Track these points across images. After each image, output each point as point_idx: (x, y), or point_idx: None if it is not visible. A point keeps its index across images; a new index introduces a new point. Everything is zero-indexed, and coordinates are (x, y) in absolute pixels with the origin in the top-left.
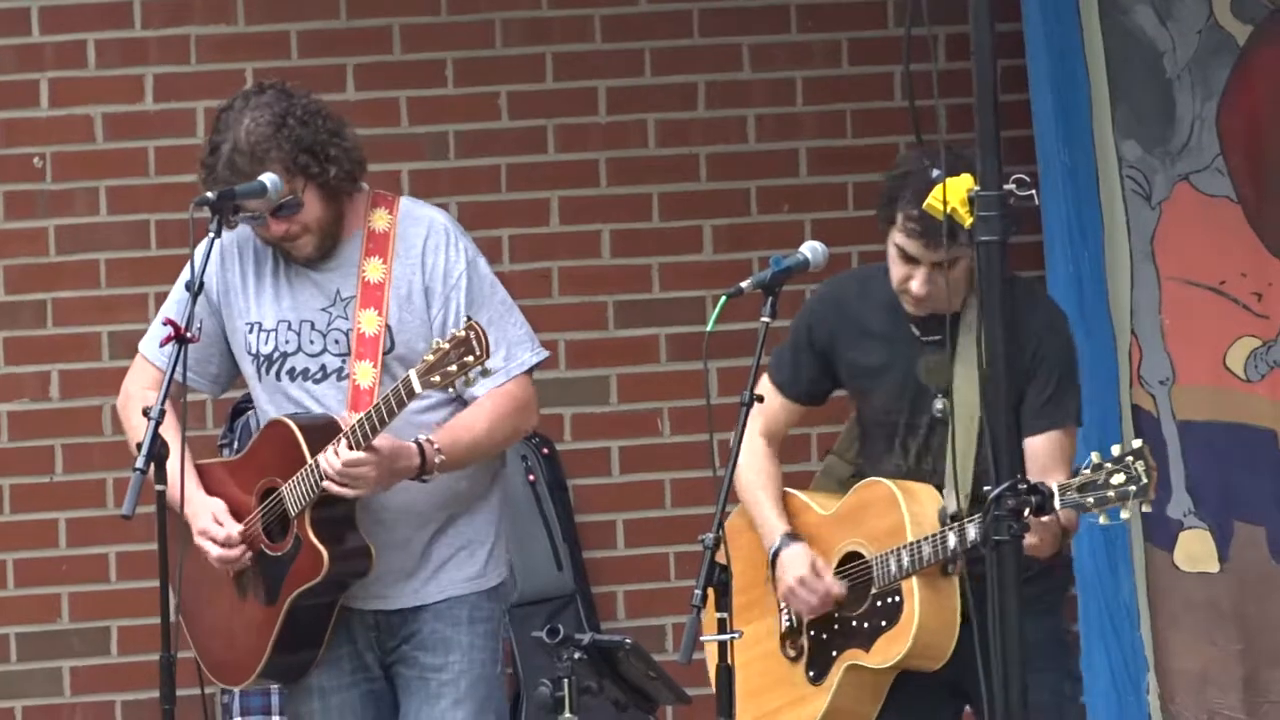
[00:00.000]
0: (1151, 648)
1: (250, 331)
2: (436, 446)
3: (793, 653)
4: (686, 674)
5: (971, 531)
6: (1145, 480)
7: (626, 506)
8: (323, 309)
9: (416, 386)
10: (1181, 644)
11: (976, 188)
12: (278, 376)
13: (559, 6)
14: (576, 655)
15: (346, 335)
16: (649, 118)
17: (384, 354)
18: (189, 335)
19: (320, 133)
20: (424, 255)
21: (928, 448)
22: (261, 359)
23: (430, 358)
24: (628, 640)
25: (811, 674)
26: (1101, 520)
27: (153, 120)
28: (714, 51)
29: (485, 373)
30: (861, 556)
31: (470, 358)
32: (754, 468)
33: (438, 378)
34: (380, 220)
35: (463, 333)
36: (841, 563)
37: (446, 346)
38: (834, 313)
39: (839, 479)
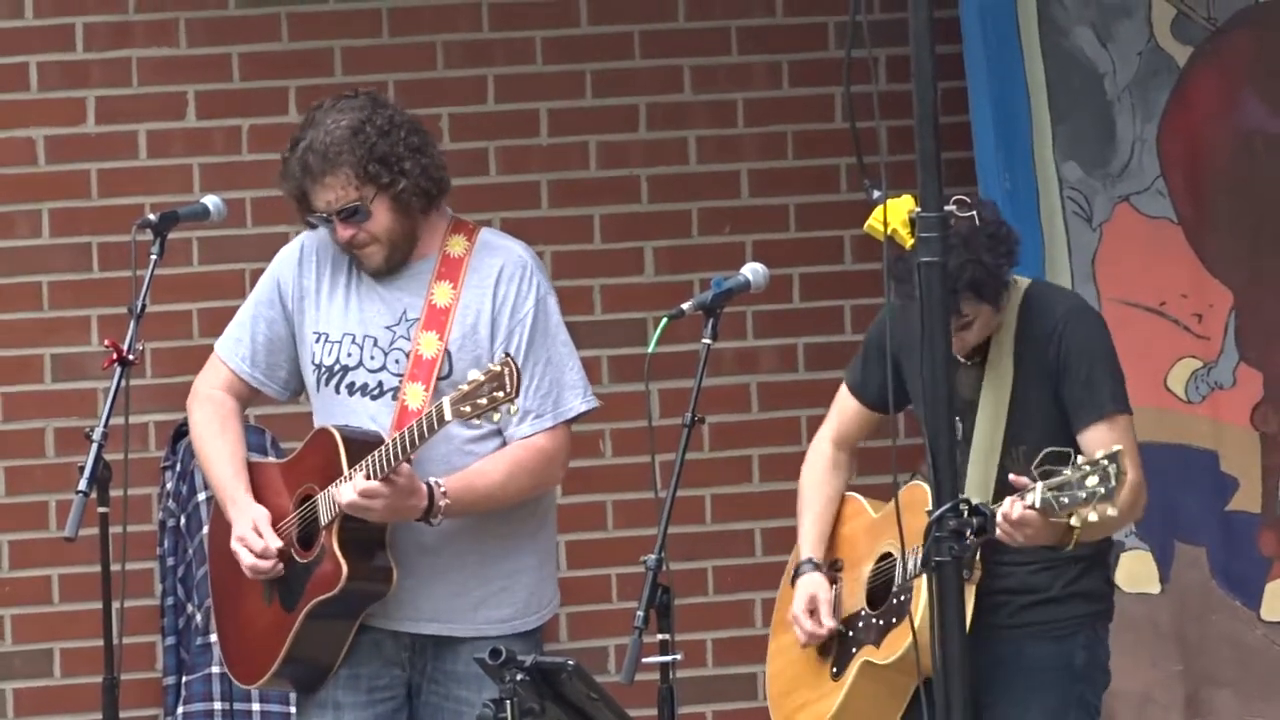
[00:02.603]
0: None
1: (316, 341)
2: (443, 490)
3: (825, 650)
4: (629, 696)
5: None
6: (1114, 483)
7: (568, 528)
8: (388, 327)
9: (448, 414)
10: (1123, 665)
11: (917, 209)
12: (336, 389)
13: (500, 29)
14: (519, 677)
15: (407, 355)
16: (590, 139)
17: (439, 378)
18: (131, 358)
19: (398, 145)
20: (496, 285)
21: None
22: (323, 370)
23: (465, 387)
24: (570, 662)
25: (834, 670)
26: (1073, 521)
27: (94, 143)
28: (655, 73)
29: (512, 411)
30: (893, 556)
31: (500, 393)
32: (811, 478)
33: (468, 408)
34: (457, 246)
35: (498, 367)
36: (879, 561)
37: (481, 379)
38: (897, 324)
39: None
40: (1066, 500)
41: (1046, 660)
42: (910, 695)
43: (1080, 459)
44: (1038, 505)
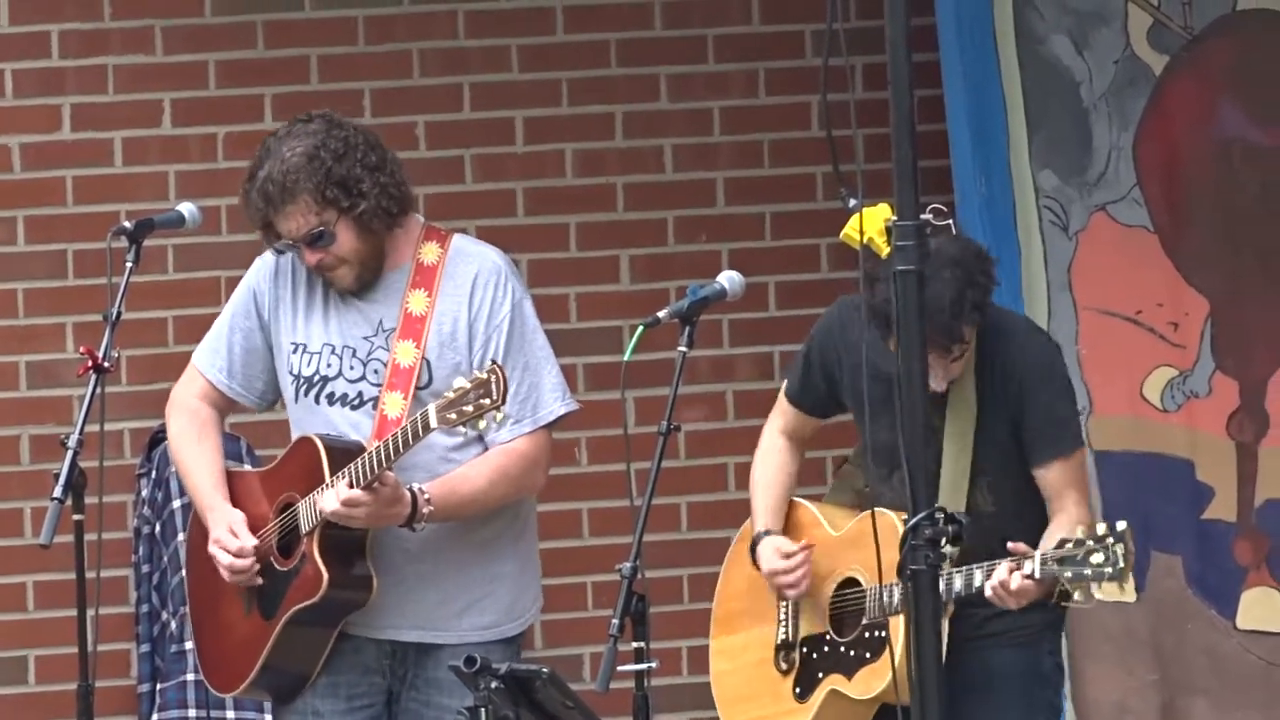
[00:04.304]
0: (1069, 677)
1: (294, 352)
2: (426, 496)
3: (784, 666)
4: (604, 704)
5: (958, 582)
6: (1122, 564)
7: (544, 535)
8: (365, 337)
9: (433, 421)
10: (1099, 674)
11: (894, 217)
12: (316, 400)
13: (476, 36)
14: (494, 685)
15: (385, 365)
16: (566, 148)
17: (418, 387)
18: (106, 365)
19: (355, 166)
20: (472, 292)
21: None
22: (302, 380)
23: (450, 395)
24: (545, 670)
25: (798, 690)
26: (1077, 596)
27: (70, 150)
28: (631, 82)
29: (498, 418)
30: (859, 584)
31: (486, 400)
32: (765, 466)
33: (454, 415)
34: (430, 254)
35: (484, 374)
36: (841, 587)
37: (467, 386)
38: (838, 340)
39: (855, 489)
40: (1070, 575)
41: (1015, 667)
42: (872, 717)
43: (1081, 531)
44: (1037, 576)
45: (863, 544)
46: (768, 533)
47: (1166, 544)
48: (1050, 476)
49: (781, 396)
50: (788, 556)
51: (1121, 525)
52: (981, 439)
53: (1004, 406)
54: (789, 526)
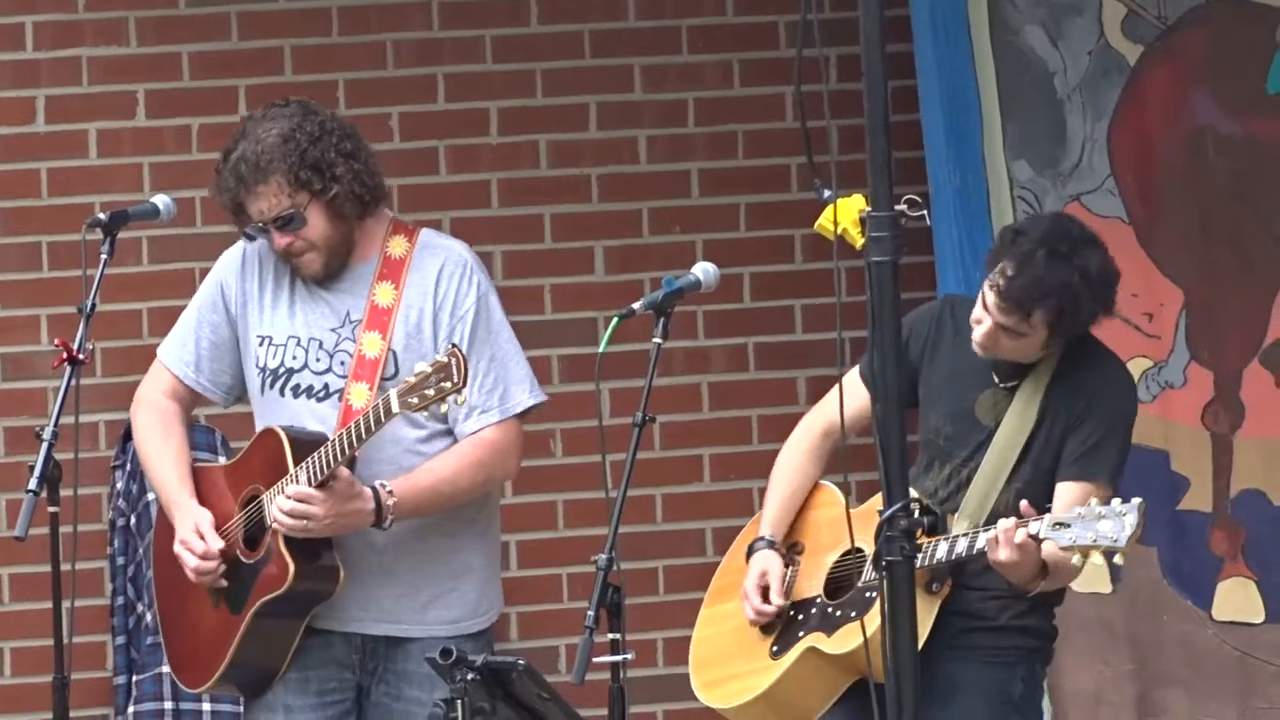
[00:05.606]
0: None
1: (260, 344)
2: (389, 489)
3: (767, 628)
4: (580, 695)
5: (961, 545)
6: (1129, 533)
7: (519, 528)
8: (332, 329)
9: (395, 406)
10: (1074, 664)
11: (868, 208)
12: (281, 392)
13: (450, 28)
14: (469, 676)
15: (351, 357)
16: (540, 139)
17: (384, 378)
18: (81, 358)
19: (329, 151)
20: (438, 284)
21: (965, 482)
22: (267, 373)
23: (411, 379)
24: (521, 661)
25: (775, 648)
26: (1075, 560)
27: (44, 142)
28: (605, 72)
29: (460, 401)
30: (861, 552)
31: (447, 384)
32: (790, 461)
33: (415, 400)
34: (397, 247)
35: (444, 358)
36: (845, 555)
37: (428, 370)
38: (932, 325)
39: None
40: (1074, 534)
41: (985, 685)
42: (841, 692)
43: (1095, 501)
44: (1041, 535)
45: (873, 519)
46: (770, 544)
47: (1142, 535)
48: (1063, 495)
49: (853, 378)
50: (766, 600)
51: (1136, 500)
52: (1029, 449)
53: (1062, 421)
54: (808, 504)
